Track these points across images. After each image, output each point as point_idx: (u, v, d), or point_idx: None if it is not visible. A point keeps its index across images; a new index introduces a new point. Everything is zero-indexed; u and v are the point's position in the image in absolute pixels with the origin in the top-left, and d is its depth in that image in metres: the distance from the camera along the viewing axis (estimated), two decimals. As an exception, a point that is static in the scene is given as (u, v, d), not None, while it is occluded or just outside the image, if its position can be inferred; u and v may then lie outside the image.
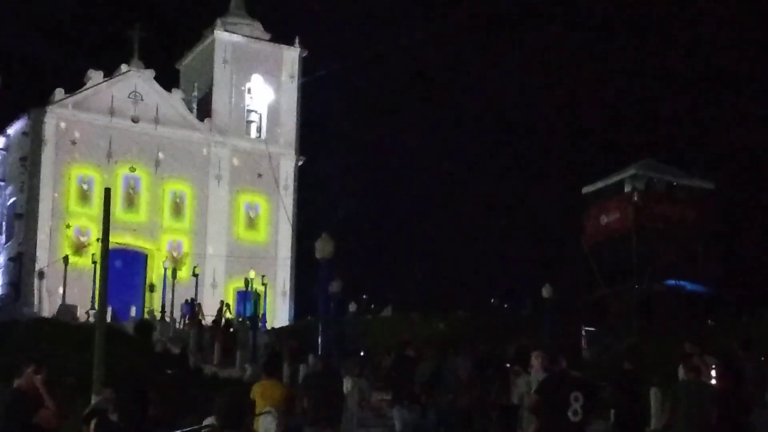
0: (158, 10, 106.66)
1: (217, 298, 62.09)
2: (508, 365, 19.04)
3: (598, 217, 70.46)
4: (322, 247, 25.85)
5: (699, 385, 12.80)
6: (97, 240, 39.99)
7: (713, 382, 13.15)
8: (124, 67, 70.04)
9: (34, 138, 67.07)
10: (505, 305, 54.75)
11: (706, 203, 68.76)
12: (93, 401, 17.51)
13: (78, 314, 53.04)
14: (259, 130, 73.35)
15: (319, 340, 24.58)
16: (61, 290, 60.61)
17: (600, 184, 71.68)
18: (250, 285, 61.32)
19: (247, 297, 64.99)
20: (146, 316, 57.22)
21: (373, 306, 55.21)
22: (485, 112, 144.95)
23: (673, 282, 63.01)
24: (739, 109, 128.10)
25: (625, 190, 69.47)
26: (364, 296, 55.81)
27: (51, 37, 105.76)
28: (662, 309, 56.36)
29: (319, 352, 23.42)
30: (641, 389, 16.89)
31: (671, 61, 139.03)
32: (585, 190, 72.91)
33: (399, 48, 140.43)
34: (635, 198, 68.20)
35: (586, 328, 36.34)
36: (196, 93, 73.75)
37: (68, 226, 65.20)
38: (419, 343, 35.38)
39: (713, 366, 13.33)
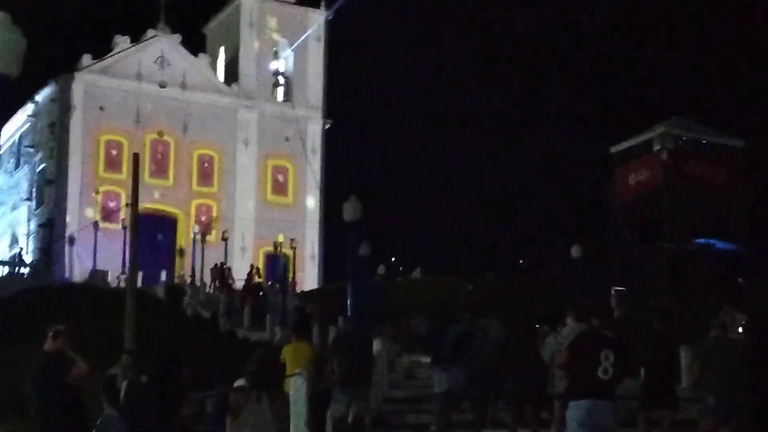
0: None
1: (247, 261, 62.27)
2: (537, 325, 18.92)
3: (626, 176, 70.27)
4: (350, 210, 25.86)
5: (729, 341, 12.71)
6: (127, 205, 40.01)
7: (742, 338, 13.07)
8: (150, 32, 70.04)
9: (62, 104, 67.20)
10: (533, 266, 54.53)
11: (736, 161, 68.47)
12: (122, 360, 17.54)
13: (109, 279, 53.26)
14: (286, 93, 73.32)
15: (349, 303, 24.58)
16: (91, 255, 60.90)
17: (628, 143, 71.49)
18: (279, 248, 61.67)
19: (276, 260, 65.23)
20: (176, 280, 57.35)
21: (401, 269, 55.20)
22: (512, 76, 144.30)
23: (703, 240, 62.85)
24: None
25: (654, 149, 69.23)
26: (393, 259, 55.81)
27: (77, 2, 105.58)
28: (692, 267, 56.20)
29: (349, 315, 23.41)
30: (672, 347, 16.84)
31: (698, 18, 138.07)
32: (613, 149, 72.72)
33: (427, 8, 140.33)
34: (664, 156, 67.91)
35: (616, 288, 36.18)
36: (223, 56, 73.83)
37: (97, 192, 65.37)
38: (450, 306, 35.57)
39: (742, 322, 13.24)
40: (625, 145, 71.83)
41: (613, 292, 34.70)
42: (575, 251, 40.06)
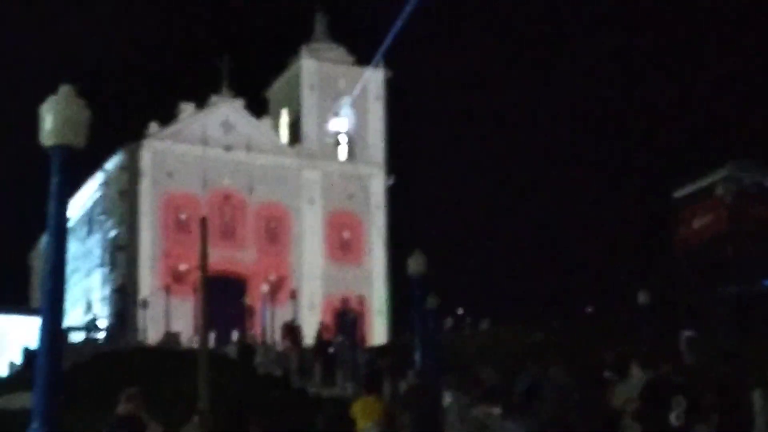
0: (244, 40, 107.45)
1: (315, 318, 62.31)
2: (606, 373, 18.87)
3: (690, 220, 69.99)
4: (415, 264, 25.80)
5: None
6: (197, 268, 40.28)
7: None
8: (214, 98, 70.87)
9: (131, 171, 68.05)
10: (599, 313, 54.13)
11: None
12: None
13: (181, 340, 53.57)
14: (348, 151, 73.63)
15: (416, 356, 24.51)
16: (164, 318, 61.36)
17: (691, 188, 71.15)
18: (347, 304, 61.78)
19: (345, 316, 65.40)
20: (248, 340, 57.50)
21: (469, 320, 55.03)
22: (574, 125, 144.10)
23: (768, 282, 62.21)
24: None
25: (717, 193, 68.82)
26: (461, 311, 55.65)
27: (141, 72, 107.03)
28: (760, 310, 55.60)
29: (417, 368, 23.36)
30: (743, 392, 16.69)
31: (760, 59, 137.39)
32: (676, 194, 72.41)
33: (478, 66, 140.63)
34: (728, 200, 67.54)
35: (686, 333, 35.87)
36: (285, 118, 74.37)
37: (167, 256, 65.88)
38: (518, 355, 35.45)
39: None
40: (688, 189, 71.54)
41: (682, 337, 34.37)
42: (642, 297, 39.78)
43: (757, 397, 17.91)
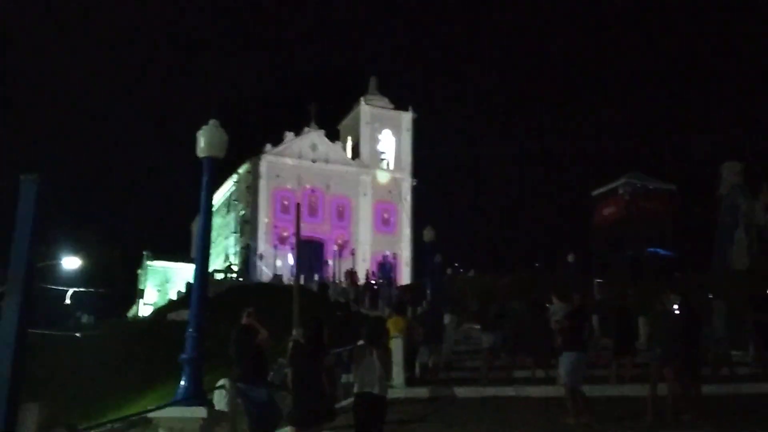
0: (326, 92, 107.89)
1: (366, 267, 62.64)
2: (547, 305, 18.79)
3: (602, 210, 69.94)
4: (427, 234, 25.80)
5: (667, 313, 12.49)
6: (293, 234, 40.45)
7: (676, 311, 12.81)
8: (306, 129, 71.28)
9: (254, 174, 68.67)
10: (544, 266, 53.84)
11: (671, 199, 67.70)
12: (293, 335, 17.69)
13: (283, 280, 53.84)
14: (388, 164, 73.80)
15: (428, 292, 24.48)
16: (273, 266, 61.92)
17: (603, 189, 71.06)
18: (386, 259, 62.12)
19: (385, 266, 65.63)
20: (323, 280, 57.83)
21: (461, 270, 54.88)
22: (535, 150, 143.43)
23: (651, 249, 62.14)
24: (693, 129, 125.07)
25: (619, 192, 68.72)
26: (456, 264, 55.49)
27: (263, 111, 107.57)
28: (645, 266, 55.49)
29: (429, 300, 23.32)
30: (632, 318, 16.60)
31: (637, 97, 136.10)
32: (594, 192, 72.30)
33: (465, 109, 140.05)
34: (626, 197, 67.46)
35: (597, 280, 35.72)
36: (350, 143, 74.56)
37: (275, 227, 66.50)
38: (492, 292, 35.38)
39: (676, 301, 12.96)
40: (601, 190, 71.42)
41: (595, 283, 34.12)
42: (570, 257, 39.68)
43: (640, 321, 17.83)
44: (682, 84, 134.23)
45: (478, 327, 22.21)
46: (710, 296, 17.43)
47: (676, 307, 13.04)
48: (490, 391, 15.18)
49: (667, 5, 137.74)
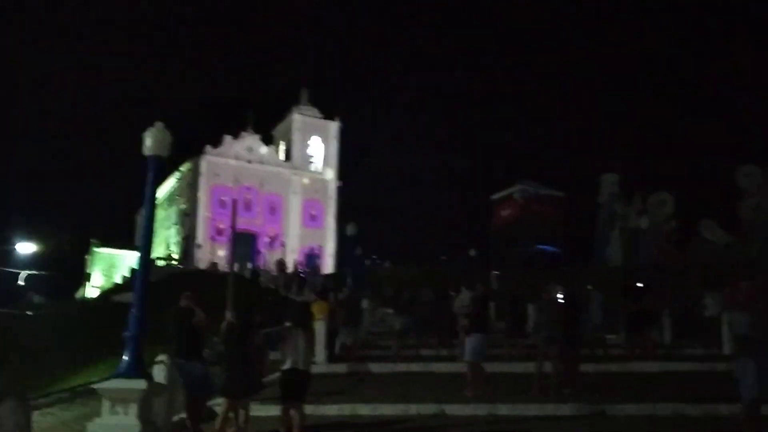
0: (262, 100, 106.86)
1: (294, 257, 62.28)
2: (451, 293, 19.02)
3: (500, 212, 71.02)
4: (350, 229, 25.89)
5: (552, 301, 12.79)
6: (230, 227, 39.96)
7: (560, 299, 13.13)
8: (243, 134, 70.67)
9: (195, 172, 67.80)
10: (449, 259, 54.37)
11: (558, 203, 69.20)
12: (227, 317, 17.39)
13: (219, 268, 53.11)
14: (316, 167, 73.60)
15: (348, 280, 24.52)
16: (210, 255, 61.06)
17: (501, 194, 72.21)
18: (312, 251, 61.89)
19: (312, 257, 65.36)
20: (255, 268, 57.30)
21: (378, 261, 55.03)
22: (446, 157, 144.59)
23: (540, 246, 63.37)
24: (577, 146, 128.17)
25: (514, 197, 69.96)
26: (374, 256, 55.63)
27: (204, 116, 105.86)
28: (535, 261, 56.59)
29: (349, 287, 23.35)
30: (524, 305, 16.91)
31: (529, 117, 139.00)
32: (493, 196, 73.37)
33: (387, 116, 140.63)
34: (520, 201, 68.67)
35: (494, 272, 36.29)
36: (283, 146, 74.06)
37: (213, 220, 65.68)
38: (404, 281, 35.53)
39: (560, 291, 13.28)
40: (499, 194, 72.53)
41: (492, 274, 34.65)
42: (472, 252, 40.30)
43: (530, 308, 18.09)
44: (570, 104, 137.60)
45: (391, 311, 22.32)
46: (589, 287, 17.85)
47: (560, 296, 13.37)
48: (401, 367, 15.29)
49: (553, 28, 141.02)
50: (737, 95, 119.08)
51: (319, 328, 15.34)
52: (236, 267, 37.50)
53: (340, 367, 15.50)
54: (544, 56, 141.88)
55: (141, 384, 8.18)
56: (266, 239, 65.11)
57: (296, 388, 9.02)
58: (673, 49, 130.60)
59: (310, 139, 73.59)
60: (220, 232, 63.60)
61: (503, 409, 10.64)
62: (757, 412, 7.59)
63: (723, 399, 10.12)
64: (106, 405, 8.17)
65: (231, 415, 9.41)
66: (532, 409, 10.58)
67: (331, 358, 16.39)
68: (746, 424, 7.56)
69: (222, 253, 60.25)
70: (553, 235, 66.50)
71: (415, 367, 15.25)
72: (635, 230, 40.00)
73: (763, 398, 7.56)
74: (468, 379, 12.08)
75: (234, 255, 31.68)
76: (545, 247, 64.03)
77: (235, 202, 33.83)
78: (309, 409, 10.09)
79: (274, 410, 9.93)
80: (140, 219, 73.92)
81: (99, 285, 68.73)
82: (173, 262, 58.66)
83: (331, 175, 73.74)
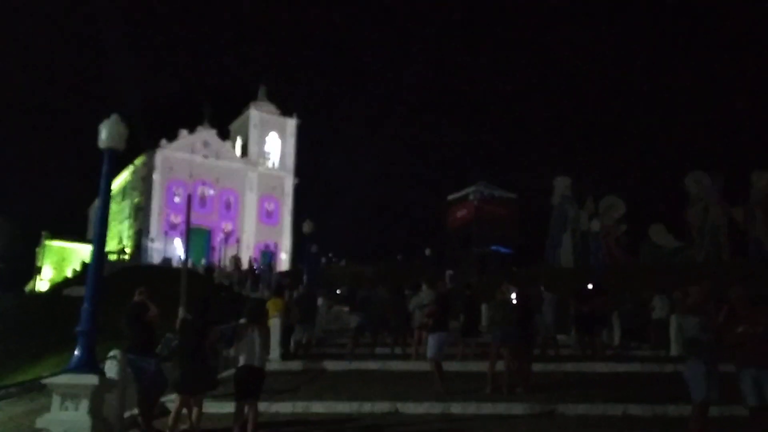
0: (219, 95, 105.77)
1: (249, 254, 61.74)
2: (406, 292, 19.04)
3: (455, 212, 71.42)
4: (307, 226, 25.72)
5: (506, 301, 12.86)
6: (184, 222, 39.44)
7: (513, 300, 13.20)
8: (199, 128, 69.97)
9: (149, 166, 66.86)
10: (405, 259, 54.64)
11: (512, 205, 69.88)
12: (180, 314, 17.07)
13: (173, 263, 52.45)
14: (273, 164, 73.17)
15: (305, 278, 24.38)
16: (163, 249, 60.19)
17: (456, 195, 72.65)
18: (267, 248, 61.43)
19: (267, 254, 64.94)
20: (210, 264, 56.76)
21: (334, 260, 55.01)
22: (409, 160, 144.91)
23: (494, 247, 63.87)
24: (530, 149, 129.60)
25: (469, 198, 70.41)
26: (330, 254, 55.57)
27: (160, 109, 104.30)
28: (489, 261, 57.01)
29: (305, 284, 23.22)
30: (477, 304, 17.01)
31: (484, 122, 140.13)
32: (449, 197, 73.78)
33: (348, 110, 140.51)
34: (475, 203, 69.16)
35: (448, 271, 36.48)
36: (239, 142, 73.49)
37: (167, 214, 64.87)
38: (359, 279, 35.57)
39: (513, 291, 13.37)
40: (455, 195, 72.96)
41: (447, 274, 34.85)
42: (427, 251, 40.49)
43: (484, 308, 18.26)
44: (525, 107, 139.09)
45: (346, 309, 22.29)
46: (542, 288, 18.02)
47: (513, 296, 13.45)
48: (356, 365, 15.24)
49: (515, 29, 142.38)
50: (687, 101, 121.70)
51: (274, 325, 15.22)
52: (189, 263, 37.12)
53: (295, 365, 15.40)
54: (501, 58, 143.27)
55: (92, 379, 8.01)
56: (221, 235, 64.49)
57: (251, 385, 8.94)
58: (626, 53, 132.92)
59: (267, 135, 73.20)
60: (174, 227, 62.83)
61: (457, 408, 10.67)
62: (706, 414, 7.73)
63: (671, 400, 10.32)
64: (56, 400, 7.99)
65: (184, 411, 9.26)
66: (485, 408, 10.63)
67: (286, 355, 16.27)
68: (695, 425, 7.69)
69: (175, 248, 59.52)
70: (506, 236, 67.10)
71: (369, 365, 15.22)
72: (586, 233, 40.56)
73: (712, 400, 7.69)
74: (436, 375, 12.09)
75: (187, 250, 31.26)
76: (498, 247, 64.58)
77: (189, 197, 33.42)
78: (263, 406, 10.01)
79: (228, 407, 9.81)
80: (94, 212, 72.86)
81: (50, 278, 67.38)
82: (125, 257, 57.73)
83: (288, 172, 73.43)
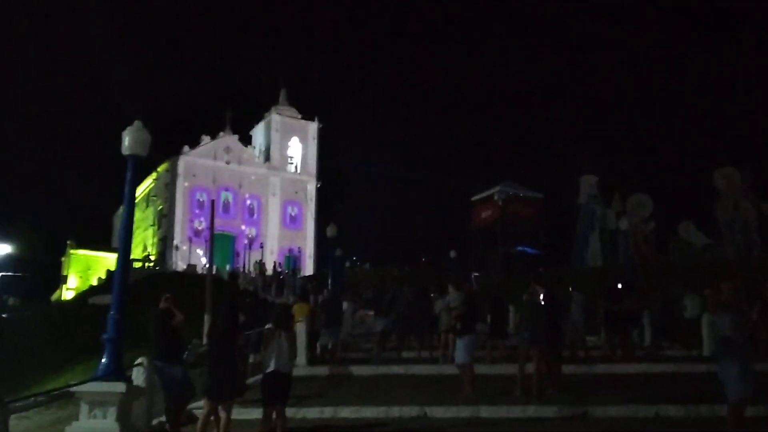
0: (241, 100, 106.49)
1: (273, 258, 62.09)
2: (432, 294, 18.97)
3: (480, 213, 71.08)
4: (330, 230, 25.80)
5: (534, 302, 12.77)
6: (208, 228, 39.76)
7: (541, 301, 13.11)
8: (221, 134, 70.53)
9: (172, 172, 67.49)
10: (430, 261, 54.50)
11: (538, 205, 69.42)
12: (206, 319, 17.24)
13: (198, 269, 52.79)
14: (296, 168, 73.47)
15: (329, 282, 24.43)
16: (188, 256, 60.60)
17: (481, 195, 72.36)
18: (291, 252, 61.64)
19: (291, 258, 65.15)
20: (234, 270, 57.09)
21: (359, 263, 55.06)
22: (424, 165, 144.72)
23: (521, 247, 63.53)
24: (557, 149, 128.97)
25: (494, 198, 70.10)
26: (354, 258, 55.65)
27: (183, 116, 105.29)
28: (515, 262, 56.71)
29: (329, 288, 23.26)
30: (505, 306, 16.92)
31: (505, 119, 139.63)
32: (473, 198, 73.51)
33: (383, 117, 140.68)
34: (500, 203, 68.82)
35: (475, 273, 36.38)
36: (262, 147, 73.89)
37: (190, 220, 65.36)
38: (384, 282, 35.55)
39: (541, 292, 13.27)
40: (479, 195, 72.69)
41: (473, 276, 34.76)
42: (452, 253, 40.25)
43: (512, 309, 18.16)
44: (550, 106, 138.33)
45: (372, 313, 22.27)
46: (570, 289, 17.87)
47: (541, 297, 13.35)
48: (382, 369, 15.22)
49: (530, 26, 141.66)
50: (715, 97, 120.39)
51: (300, 330, 15.25)
52: (215, 269, 37.39)
53: (321, 370, 15.41)
54: (525, 58, 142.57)
55: (120, 387, 8.08)
56: (245, 241, 64.85)
57: (278, 390, 8.95)
58: (653, 50, 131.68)
59: (289, 139, 73.53)
60: (198, 233, 63.25)
61: (486, 412, 10.61)
62: (742, 414, 7.62)
63: (704, 400, 10.18)
64: (84, 408, 8.06)
65: (212, 418, 9.30)
66: (514, 411, 10.56)
67: (312, 360, 16.30)
68: (731, 425, 7.58)
69: (200, 253, 59.93)
70: (533, 236, 66.69)
71: (396, 369, 15.19)
72: (614, 232, 40.18)
73: (748, 399, 7.59)
74: (466, 380, 12.01)
75: (212, 256, 31.49)
76: (525, 248, 64.19)
77: (213, 203, 33.73)
78: (290, 412, 10.02)
79: (255, 413, 9.83)
80: (118, 220, 73.64)
81: (75, 287, 68.12)
82: (150, 264, 58.25)
83: (310, 176, 73.68)
